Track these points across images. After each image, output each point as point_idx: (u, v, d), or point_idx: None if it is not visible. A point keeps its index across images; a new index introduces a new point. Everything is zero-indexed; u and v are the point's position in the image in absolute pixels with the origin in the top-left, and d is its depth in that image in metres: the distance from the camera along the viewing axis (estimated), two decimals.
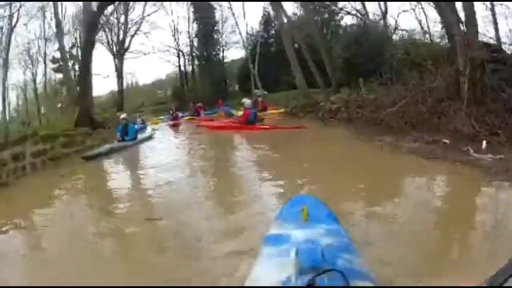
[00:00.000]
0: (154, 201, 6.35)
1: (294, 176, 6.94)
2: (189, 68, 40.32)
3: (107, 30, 36.45)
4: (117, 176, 9.42)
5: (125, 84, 43.51)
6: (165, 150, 12.66)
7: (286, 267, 1.83)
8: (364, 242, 3.54)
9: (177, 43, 39.28)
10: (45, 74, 35.01)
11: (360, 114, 12.25)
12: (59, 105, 38.04)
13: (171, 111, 23.67)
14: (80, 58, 33.27)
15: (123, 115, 14.58)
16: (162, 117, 24.62)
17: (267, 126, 14.14)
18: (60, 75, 35.55)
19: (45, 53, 33.78)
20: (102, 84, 38.79)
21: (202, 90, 36.25)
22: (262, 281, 1.99)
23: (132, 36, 38.28)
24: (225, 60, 38.89)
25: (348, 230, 2.72)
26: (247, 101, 15.38)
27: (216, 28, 37.06)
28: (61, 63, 32.23)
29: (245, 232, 4.29)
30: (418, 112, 9.76)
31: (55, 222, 5.54)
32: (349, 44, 19.26)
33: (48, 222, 5.51)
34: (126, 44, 38.19)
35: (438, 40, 17.45)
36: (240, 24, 35.47)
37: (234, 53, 43.83)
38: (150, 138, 15.61)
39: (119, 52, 37.79)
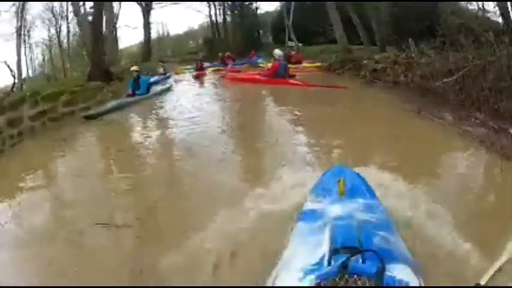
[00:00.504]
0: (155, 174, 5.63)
1: (327, 143, 6.21)
2: (221, 18, 38.64)
3: None
4: (118, 138, 8.26)
5: (155, 35, 43.43)
6: (178, 105, 11.39)
7: (321, 246, 1.80)
8: None
9: None
10: (68, 29, 33.75)
11: (409, 79, 10.36)
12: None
13: (196, 62, 22.16)
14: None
15: (134, 67, 13.16)
16: (189, 66, 23.07)
17: (299, 82, 12.30)
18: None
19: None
20: (133, 35, 37.52)
21: (234, 41, 35.19)
22: (296, 260, 1.90)
23: None
24: (259, 11, 37.06)
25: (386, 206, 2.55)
26: (277, 52, 13.35)
27: None
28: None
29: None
30: (478, 88, 7.77)
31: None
32: None
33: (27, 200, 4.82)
34: None
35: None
36: None
37: (268, 4, 43.10)
38: (168, 90, 14.45)
39: (144, 1, 36.23)
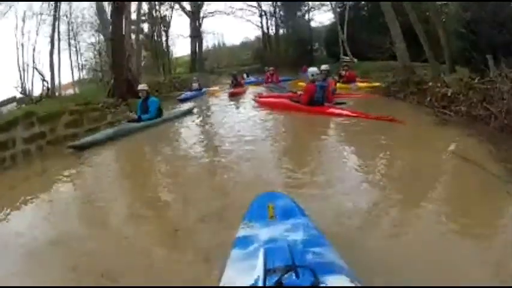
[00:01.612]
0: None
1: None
2: (273, 30, 37.37)
3: None
4: (96, 183, 6.14)
5: (209, 45, 45.11)
6: (191, 136, 9.15)
7: (255, 269, 1.79)
8: None
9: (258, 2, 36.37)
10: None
11: (490, 113, 7.27)
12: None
13: (233, 76, 19.66)
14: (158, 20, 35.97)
15: (142, 85, 10.85)
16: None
17: (341, 111, 9.31)
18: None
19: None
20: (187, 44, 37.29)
21: (286, 54, 33.94)
22: (232, 285, 1.93)
23: None
24: (312, 23, 35.68)
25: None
26: (312, 70, 10.11)
27: None
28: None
29: None
30: None
31: None
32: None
33: None
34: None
35: None
36: None
37: (322, 16, 42.28)
38: (188, 113, 12.16)
39: (192, 11, 35.82)
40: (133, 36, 23.51)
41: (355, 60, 22.24)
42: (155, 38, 36.80)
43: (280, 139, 7.77)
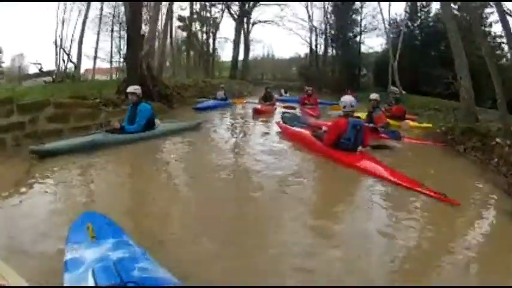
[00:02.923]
0: None
1: None
2: (322, 48, 34.92)
3: None
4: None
5: (258, 54, 45.21)
6: (183, 162, 6.85)
7: None
8: None
9: (310, 17, 34.56)
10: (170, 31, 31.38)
11: None
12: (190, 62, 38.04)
13: (265, 90, 16.78)
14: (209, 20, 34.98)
15: (132, 87, 8.25)
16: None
17: (379, 170, 5.88)
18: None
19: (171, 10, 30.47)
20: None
21: (332, 75, 32.16)
22: None
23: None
24: (362, 46, 32.96)
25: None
26: (346, 100, 6.88)
27: (354, 7, 31.36)
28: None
29: None
30: None
31: None
32: None
33: None
34: (248, 8, 35.04)
35: None
36: (383, 7, 29.39)
37: (372, 40, 40.22)
38: (193, 128, 9.62)
39: (240, 17, 34.43)
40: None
41: (404, 92, 19.42)
42: (203, 38, 35.62)
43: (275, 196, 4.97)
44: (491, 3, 18.48)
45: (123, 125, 7.83)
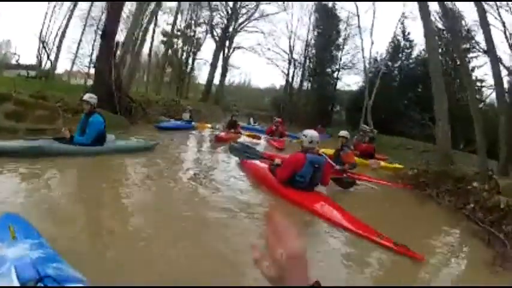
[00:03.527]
0: None
1: None
2: (298, 80, 34.45)
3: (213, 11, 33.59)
4: None
5: (235, 81, 45.65)
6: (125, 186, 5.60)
7: (12, 284, 1.74)
8: None
9: (291, 48, 33.97)
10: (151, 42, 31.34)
11: None
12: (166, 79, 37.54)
13: (231, 116, 15.94)
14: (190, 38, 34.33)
15: (88, 95, 7.22)
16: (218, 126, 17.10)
17: (337, 216, 4.72)
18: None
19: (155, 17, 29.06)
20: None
21: (304, 108, 31.29)
22: None
23: (239, 25, 34.84)
24: (339, 82, 32.80)
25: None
26: (308, 134, 5.88)
27: (337, 42, 31.06)
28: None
29: None
30: None
31: None
32: None
33: None
34: (231, 32, 34.58)
35: None
36: (366, 46, 27.39)
37: (349, 78, 40.39)
38: (145, 149, 8.47)
39: (221, 39, 33.94)
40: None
41: (375, 131, 18.57)
42: (182, 57, 34.73)
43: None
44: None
45: (71, 135, 6.82)
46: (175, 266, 3.24)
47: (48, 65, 24.13)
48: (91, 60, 30.19)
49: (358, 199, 6.43)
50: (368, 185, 7.68)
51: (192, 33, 34.94)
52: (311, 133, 5.86)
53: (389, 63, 27.28)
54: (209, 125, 16.64)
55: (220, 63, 34.45)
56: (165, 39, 33.85)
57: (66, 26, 25.42)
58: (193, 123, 15.49)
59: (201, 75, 41.84)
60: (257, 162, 7.41)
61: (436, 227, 5.56)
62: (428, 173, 8.14)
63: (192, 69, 36.97)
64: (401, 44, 27.29)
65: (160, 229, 3.88)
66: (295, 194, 5.51)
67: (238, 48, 35.51)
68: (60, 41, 25.31)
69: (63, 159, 6.18)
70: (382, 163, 10.57)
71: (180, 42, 35.03)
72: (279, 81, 54.15)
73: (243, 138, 13.55)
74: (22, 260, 1.96)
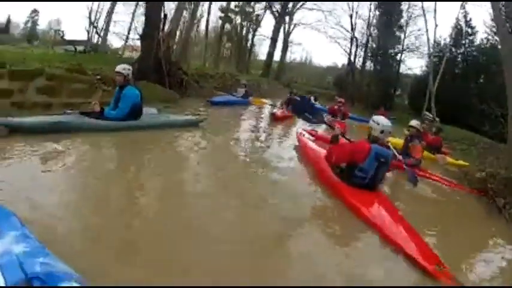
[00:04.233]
0: None
1: None
2: (360, 61, 33.33)
3: None
4: None
5: (296, 57, 44.85)
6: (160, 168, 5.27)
7: None
8: None
9: (353, 26, 32.74)
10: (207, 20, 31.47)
11: None
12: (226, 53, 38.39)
13: (290, 93, 14.86)
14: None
15: (119, 67, 6.76)
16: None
17: (392, 229, 3.83)
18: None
19: None
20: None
21: (367, 89, 30.52)
22: None
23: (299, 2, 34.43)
24: (401, 65, 31.21)
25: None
26: (382, 121, 4.93)
27: (399, 23, 29.57)
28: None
29: None
30: None
31: None
32: None
33: None
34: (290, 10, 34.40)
35: None
36: (429, 28, 27.12)
37: (412, 61, 39.06)
38: (192, 124, 8.14)
39: (281, 16, 33.59)
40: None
41: (437, 119, 17.47)
42: (242, 33, 34.66)
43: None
44: None
45: (102, 108, 6.50)
46: None
47: (98, 40, 24.51)
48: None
49: (416, 200, 5.79)
50: (430, 184, 6.79)
51: (251, 10, 34.56)
52: (385, 122, 4.93)
53: (453, 48, 25.59)
54: (266, 101, 16.00)
55: (280, 39, 33.98)
56: (222, 14, 33.77)
57: None
58: (250, 98, 15.00)
59: (262, 51, 41.33)
60: (313, 145, 6.85)
61: (494, 253, 4.40)
62: (495, 179, 6.87)
63: (253, 44, 36.58)
64: (463, 30, 25.64)
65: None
66: (352, 194, 4.65)
67: (299, 25, 35.09)
68: (109, 15, 25.50)
69: (89, 136, 5.84)
70: (449, 159, 9.26)
71: (238, 18, 34.86)
72: (341, 60, 52.79)
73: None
74: (6, 258, 1.87)
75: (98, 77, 8.70)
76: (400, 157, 6.32)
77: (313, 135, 8.29)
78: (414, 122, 7.71)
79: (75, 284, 1.77)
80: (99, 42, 23.57)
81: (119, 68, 6.70)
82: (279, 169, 6.01)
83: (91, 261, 2.56)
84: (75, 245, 2.73)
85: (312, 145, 7.00)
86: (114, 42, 26.36)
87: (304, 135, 7.94)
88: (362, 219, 4.16)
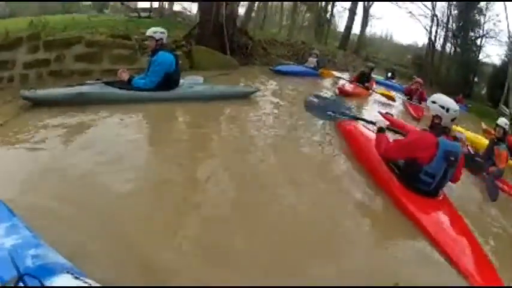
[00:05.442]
0: None
1: None
2: (441, 41, 31.42)
3: None
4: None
5: (376, 32, 44.42)
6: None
7: None
8: None
9: (433, 4, 30.41)
10: None
11: None
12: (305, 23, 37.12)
13: (365, 69, 13.18)
14: None
15: (150, 30, 6.05)
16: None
17: (467, 262, 2.96)
18: None
19: None
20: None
21: (447, 73, 29.11)
22: None
23: None
24: (482, 55, 29.05)
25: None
26: (444, 102, 3.71)
27: (479, 6, 27.45)
28: None
29: None
30: None
31: None
32: None
33: None
34: None
35: None
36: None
37: (492, 49, 36.82)
38: (246, 95, 7.34)
39: None
40: None
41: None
42: (321, 3, 33.75)
43: None
44: None
45: (131, 77, 5.88)
46: None
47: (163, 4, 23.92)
48: None
49: (487, 214, 4.57)
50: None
51: None
52: (454, 105, 3.78)
53: None
54: (336, 73, 14.36)
55: (360, 12, 32.77)
56: None
57: None
58: (320, 70, 13.61)
59: (341, 23, 40.14)
60: (363, 129, 5.53)
61: None
62: None
63: (332, 15, 35.44)
64: None
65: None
66: (412, 202, 3.64)
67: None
68: None
69: (113, 107, 5.25)
70: None
71: None
72: (421, 40, 50.25)
73: (374, 97, 11.35)
74: None
75: (146, 42, 7.57)
76: (478, 158, 5.68)
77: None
78: (502, 121, 6.18)
79: (67, 276, 1.64)
80: (161, 6, 23.18)
81: (150, 31, 6.00)
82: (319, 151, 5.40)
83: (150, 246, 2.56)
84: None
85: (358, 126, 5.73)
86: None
87: (392, 115, 7.11)
88: (423, 234, 3.30)
